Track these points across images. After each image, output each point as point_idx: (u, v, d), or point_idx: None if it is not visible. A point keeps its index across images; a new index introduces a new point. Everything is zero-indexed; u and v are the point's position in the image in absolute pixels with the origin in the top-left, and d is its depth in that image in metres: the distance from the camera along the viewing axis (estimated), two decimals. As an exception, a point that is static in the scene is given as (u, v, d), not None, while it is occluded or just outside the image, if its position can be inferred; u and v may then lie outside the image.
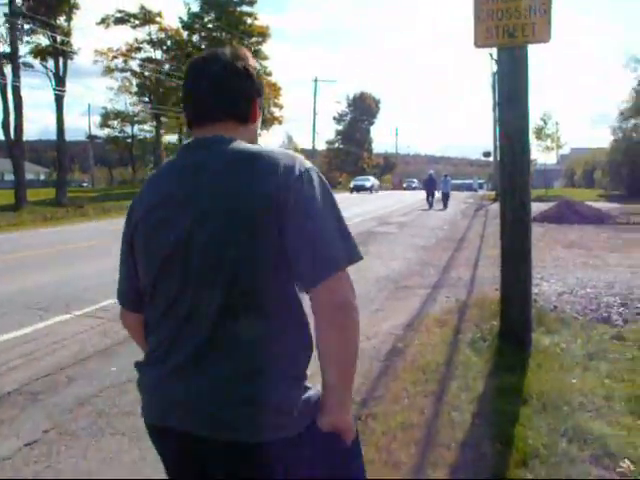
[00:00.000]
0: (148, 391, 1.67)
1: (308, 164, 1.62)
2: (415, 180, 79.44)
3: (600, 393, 4.61)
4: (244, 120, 1.73)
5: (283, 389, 1.54)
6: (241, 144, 1.64)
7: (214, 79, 1.68)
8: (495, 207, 31.13)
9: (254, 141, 1.76)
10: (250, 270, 1.53)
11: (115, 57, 51.26)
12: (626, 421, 4.13)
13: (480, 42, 5.23)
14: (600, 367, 5.28)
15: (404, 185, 78.14)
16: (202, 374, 1.53)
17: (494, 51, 5.69)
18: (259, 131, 1.84)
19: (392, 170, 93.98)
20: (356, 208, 27.40)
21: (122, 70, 53.40)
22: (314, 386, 1.64)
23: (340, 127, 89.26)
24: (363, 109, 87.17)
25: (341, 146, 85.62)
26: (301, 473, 1.55)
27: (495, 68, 36.42)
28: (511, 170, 5.52)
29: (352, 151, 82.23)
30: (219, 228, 1.53)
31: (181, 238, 1.57)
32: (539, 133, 42.26)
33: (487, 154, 48.20)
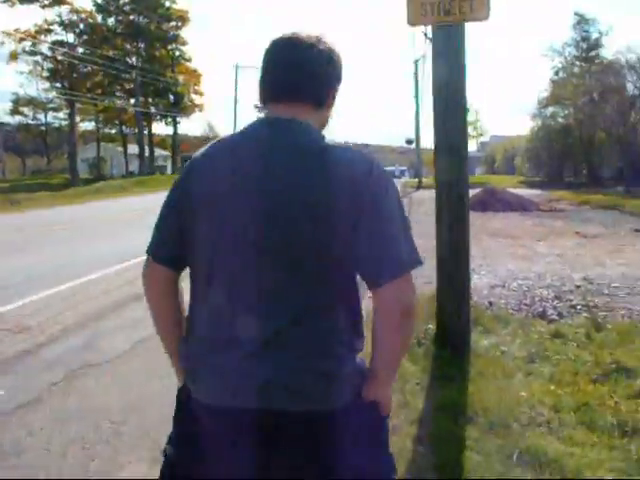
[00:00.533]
0: (222, 374, 1.60)
1: (382, 166, 1.66)
2: None
3: (548, 403, 4.26)
4: (320, 105, 1.73)
5: (349, 361, 1.64)
6: (319, 135, 1.66)
7: (300, 59, 1.68)
8: (418, 194, 31.23)
9: (326, 123, 1.79)
10: (327, 257, 1.57)
11: (23, 39, 48.56)
12: (578, 435, 3.79)
13: (414, 20, 4.74)
14: (543, 371, 4.96)
15: None
16: (283, 354, 1.56)
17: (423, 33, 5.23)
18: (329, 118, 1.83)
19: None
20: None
21: (31, 53, 50.59)
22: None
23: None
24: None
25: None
26: (349, 439, 1.62)
27: (417, 55, 36.46)
28: (448, 160, 5.08)
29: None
30: (298, 218, 1.55)
31: (258, 220, 1.57)
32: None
33: (410, 141, 48.39)
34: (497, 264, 10.37)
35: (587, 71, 35.99)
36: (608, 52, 39.11)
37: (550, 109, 39.13)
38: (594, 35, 39.91)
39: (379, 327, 1.63)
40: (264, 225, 1.57)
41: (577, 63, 39.90)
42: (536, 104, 40.32)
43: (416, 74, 40.32)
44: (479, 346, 5.44)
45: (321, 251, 1.57)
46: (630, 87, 31.08)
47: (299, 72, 1.69)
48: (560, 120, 38.19)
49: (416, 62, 39.25)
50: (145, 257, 1.77)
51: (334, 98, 1.79)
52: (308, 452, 1.60)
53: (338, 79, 1.78)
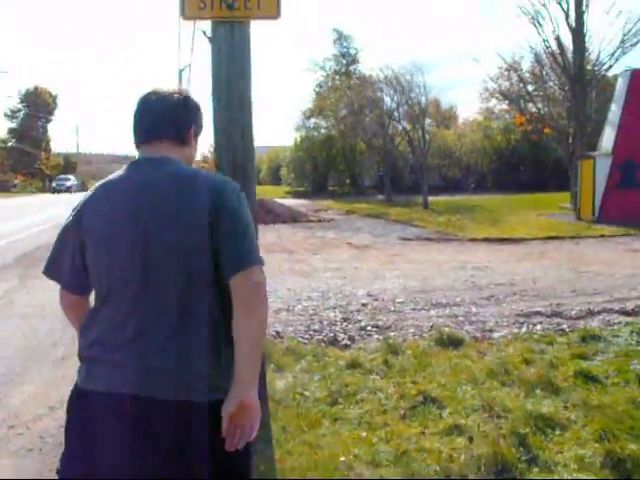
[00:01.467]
0: (115, 368, 1.89)
1: (235, 184, 2.04)
2: (71, 177, 61.56)
3: (365, 457, 3.78)
4: (181, 142, 2.11)
5: (207, 365, 1.89)
6: (182, 165, 2.05)
7: (158, 106, 2.10)
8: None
9: (191, 160, 2.19)
10: (196, 270, 1.90)
11: None
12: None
13: (190, 13, 3.95)
14: (350, 413, 4.51)
15: (53, 185, 59.48)
16: (169, 354, 1.86)
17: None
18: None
19: (74, 170, 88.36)
20: (37, 215, 23.95)
21: None
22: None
23: (13, 124, 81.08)
24: (38, 105, 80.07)
25: (15, 145, 77.73)
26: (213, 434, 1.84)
27: (182, 63, 35.35)
28: (231, 176, 4.34)
29: (27, 151, 75.12)
30: (171, 236, 1.89)
31: (138, 246, 1.90)
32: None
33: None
34: (277, 283, 9.86)
35: (347, 85, 37.49)
36: (365, 67, 41.27)
37: (314, 120, 40.29)
38: (352, 51, 41.92)
39: (236, 310, 1.85)
40: (143, 253, 1.89)
41: (337, 77, 41.47)
42: (300, 115, 41.32)
43: (180, 84, 39.13)
44: (276, 390, 4.78)
45: (195, 261, 1.89)
46: (388, 100, 32.87)
47: (160, 115, 2.09)
48: (323, 131, 39.44)
49: (181, 72, 38.01)
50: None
51: (195, 138, 2.18)
52: (173, 439, 1.84)
53: (195, 121, 2.16)
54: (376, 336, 6.78)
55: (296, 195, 36.84)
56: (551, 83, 30.77)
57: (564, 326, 7.34)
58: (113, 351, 1.90)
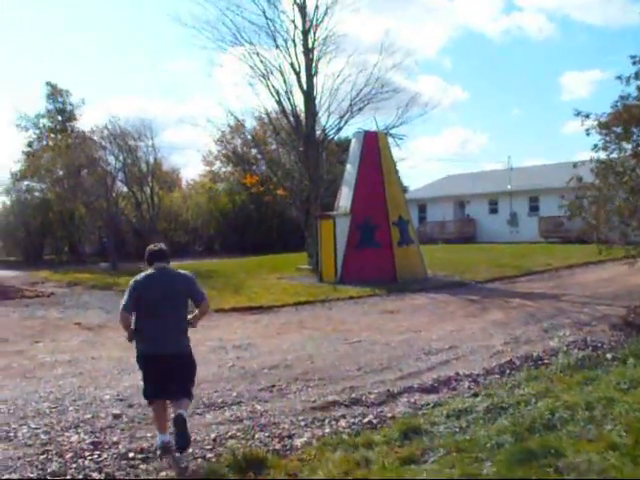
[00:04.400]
0: (151, 342, 5.37)
1: (192, 274, 5.85)
2: None
3: None
4: (169, 261, 5.69)
5: (187, 338, 5.64)
6: (172, 269, 5.71)
7: (163, 250, 5.70)
8: None
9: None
10: (182, 306, 5.54)
11: None
12: None
13: None
14: None
15: None
16: (170, 335, 5.44)
17: None
18: None
19: None
20: None
21: None
22: None
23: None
24: None
25: None
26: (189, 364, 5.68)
27: None
28: None
29: None
30: (174, 297, 5.47)
31: (162, 298, 5.39)
32: None
33: None
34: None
35: (66, 143, 33.95)
36: (85, 124, 37.82)
37: (25, 183, 35.78)
38: (69, 107, 38.23)
39: (200, 312, 5.70)
40: (166, 299, 5.40)
41: (53, 135, 37.54)
42: (9, 177, 36.53)
43: None
44: None
45: (182, 304, 5.53)
46: (112, 160, 30.24)
47: (164, 253, 5.68)
48: (37, 194, 35.17)
49: None
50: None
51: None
52: (181, 365, 5.52)
53: (168, 254, 5.79)
54: (144, 466, 4.88)
55: (6, 266, 32.27)
56: (274, 146, 30.71)
57: (370, 417, 6.13)
58: (155, 336, 5.42)
